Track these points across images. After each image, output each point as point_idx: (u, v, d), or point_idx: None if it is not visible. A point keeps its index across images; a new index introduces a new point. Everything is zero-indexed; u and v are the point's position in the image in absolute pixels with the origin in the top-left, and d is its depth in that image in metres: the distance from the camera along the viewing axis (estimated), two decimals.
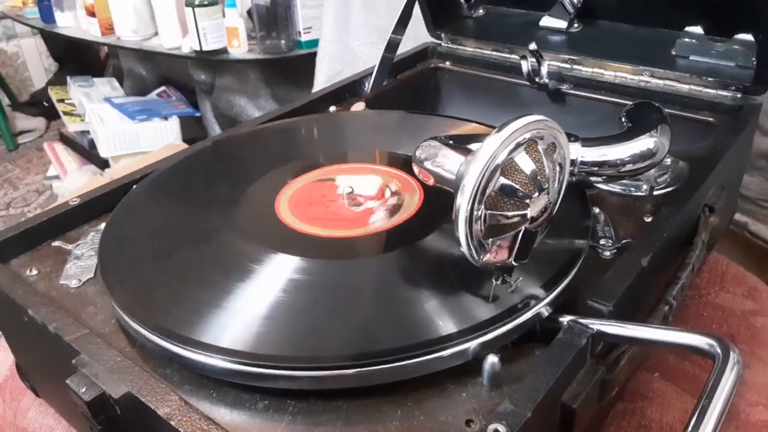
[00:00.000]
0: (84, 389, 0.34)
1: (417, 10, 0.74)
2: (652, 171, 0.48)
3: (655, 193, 0.50)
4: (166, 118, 1.73)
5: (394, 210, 0.45)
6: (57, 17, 1.85)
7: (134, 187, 0.52)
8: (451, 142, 0.40)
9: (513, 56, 0.72)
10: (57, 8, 1.83)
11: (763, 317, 0.55)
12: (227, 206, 0.47)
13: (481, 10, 0.81)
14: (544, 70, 0.66)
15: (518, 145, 0.33)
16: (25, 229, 0.47)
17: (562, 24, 0.72)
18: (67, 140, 2.02)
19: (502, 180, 0.33)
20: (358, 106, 0.67)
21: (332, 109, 0.67)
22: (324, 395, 0.34)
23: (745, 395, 0.47)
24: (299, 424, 0.33)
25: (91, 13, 1.69)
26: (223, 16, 1.50)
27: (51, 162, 2.00)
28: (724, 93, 0.60)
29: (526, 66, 0.66)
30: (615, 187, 0.51)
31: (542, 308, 0.37)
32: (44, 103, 2.34)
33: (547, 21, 0.73)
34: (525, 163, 0.34)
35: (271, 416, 0.33)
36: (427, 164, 0.40)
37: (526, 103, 0.70)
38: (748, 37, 0.59)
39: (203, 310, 0.37)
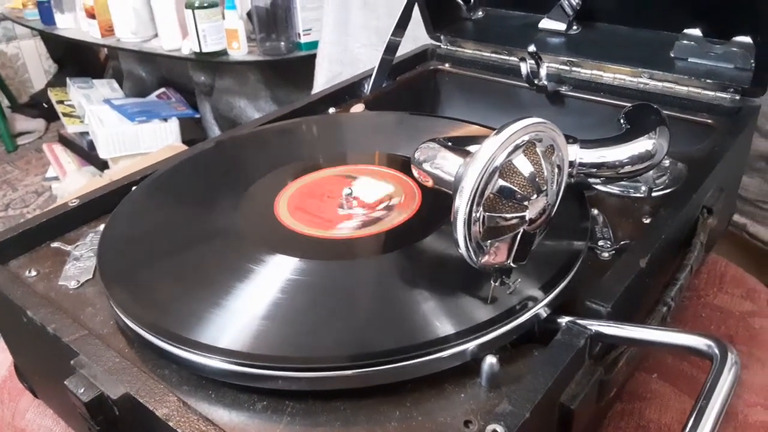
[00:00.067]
0: (82, 390, 0.34)
1: (416, 12, 0.74)
2: (651, 172, 0.48)
3: (654, 194, 0.50)
4: (165, 120, 1.74)
5: (370, 223, 0.44)
6: (57, 19, 1.85)
7: (133, 188, 0.52)
8: (449, 144, 0.40)
9: (512, 58, 0.72)
10: (57, 10, 1.83)
11: (761, 318, 0.55)
12: (226, 207, 0.47)
13: (480, 12, 0.81)
14: (543, 72, 0.66)
15: (517, 148, 0.33)
16: (24, 230, 0.47)
17: (561, 26, 0.72)
18: (66, 141, 2.02)
19: (501, 182, 0.33)
20: (358, 108, 0.67)
21: (332, 110, 0.67)
22: (322, 396, 0.34)
23: (743, 396, 0.47)
24: (298, 425, 0.33)
25: (91, 15, 1.69)
26: (223, 17, 1.50)
27: (50, 163, 2.00)
28: (723, 95, 0.60)
29: (525, 68, 0.66)
30: (614, 189, 0.51)
31: (541, 309, 0.37)
32: (44, 104, 2.34)
33: (546, 23, 0.73)
34: (523, 165, 0.34)
35: (269, 417, 0.33)
36: (426, 166, 0.40)
37: (525, 105, 0.70)
38: (747, 39, 0.59)
39: (202, 311, 0.37)
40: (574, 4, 0.71)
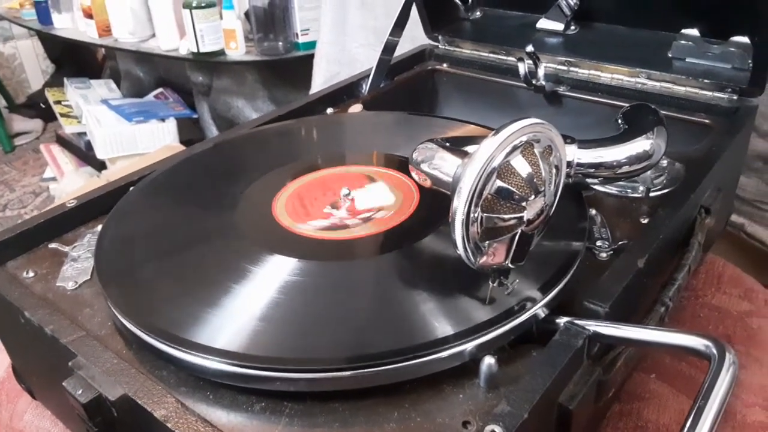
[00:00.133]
0: (80, 391, 0.34)
1: (414, 12, 0.74)
2: (649, 173, 0.49)
3: (652, 194, 0.50)
4: (163, 120, 1.73)
5: (336, 227, 0.44)
6: (54, 19, 1.85)
7: (131, 188, 0.52)
8: (447, 144, 0.40)
9: (510, 58, 0.72)
10: (54, 10, 1.83)
11: (759, 318, 0.55)
12: (224, 208, 0.47)
13: (478, 13, 0.81)
14: (541, 72, 0.66)
15: (515, 149, 0.33)
16: (21, 231, 0.47)
17: (558, 26, 0.72)
18: (63, 142, 2.02)
19: (499, 183, 0.33)
20: (356, 108, 0.67)
21: (329, 110, 0.67)
22: (321, 397, 0.34)
23: (742, 396, 0.47)
24: (296, 426, 0.33)
25: (89, 15, 1.69)
26: (221, 17, 1.50)
27: (48, 164, 2.00)
28: (721, 95, 0.60)
29: (523, 68, 0.66)
30: (611, 189, 0.51)
31: (539, 310, 0.37)
32: (41, 104, 2.34)
33: (544, 23, 0.73)
34: (521, 166, 0.34)
35: (267, 418, 0.33)
36: (424, 167, 0.40)
37: (523, 105, 0.70)
38: (744, 39, 0.59)
39: (200, 312, 0.37)
40: (572, 4, 0.71)
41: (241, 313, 0.37)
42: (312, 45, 1.30)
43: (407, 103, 0.74)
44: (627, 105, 0.50)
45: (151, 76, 2.02)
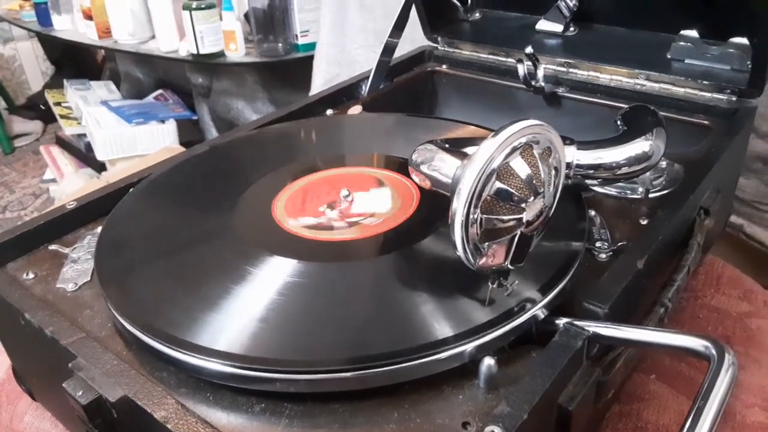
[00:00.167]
0: (80, 393, 0.34)
1: (414, 13, 0.74)
2: (648, 174, 0.49)
3: (651, 195, 0.50)
4: (163, 122, 1.73)
5: (320, 227, 0.44)
6: (54, 20, 1.85)
7: (131, 190, 0.52)
8: (447, 146, 0.40)
9: (509, 59, 0.72)
10: (54, 11, 1.83)
11: (758, 319, 0.55)
12: (224, 209, 0.47)
13: (477, 14, 0.81)
14: (540, 73, 0.66)
15: (514, 150, 0.33)
16: (21, 232, 0.47)
17: (558, 27, 0.72)
18: (63, 143, 2.02)
19: (498, 184, 0.33)
20: (355, 110, 0.67)
21: (329, 112, 0.67)
22: (321, 398, 0.34)
23: (741, 397, 0.47)
24: (296, 427, 0.33)
25: (88, 17, 1.69)
26: (221, 19, 1.50)
27: (47, 165, 2.00)
28: (720, 96, 0.60)
29: (522, 69, 0.66)
30: (611, 190, 0.51)
31: (538, 311, 0.37)
32: (41, 106, 2.34)
33: (543, 25, 0.73)
34: (520, 167, 0.34)
35: (267, 419, 0.33)
36: (424, 168, 0.40)
37: (523, 106, 0.70)
38: (743, 40, 0.60)
39: (200, 314, 0.37)
40: (571, 5, 0.71)
41: (240, 314, 0.37)
42: (312, 46, 1.30)
43: (407, 105, 0.74)
44: (626, 106, 0.50)
45: (150, 78, 2.02)
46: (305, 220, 0.45)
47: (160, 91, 1.96)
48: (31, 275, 0.45)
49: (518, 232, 0.35)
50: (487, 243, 0.34)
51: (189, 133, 1.79)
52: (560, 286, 0.38)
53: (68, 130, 1.95)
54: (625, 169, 0.45)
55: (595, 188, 0.50)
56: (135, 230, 0.46)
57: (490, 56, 0.74)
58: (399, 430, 0.32)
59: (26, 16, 1.94)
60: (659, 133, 0.45)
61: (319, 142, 0.60)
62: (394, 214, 0.45)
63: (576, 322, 0.36)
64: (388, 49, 0.71)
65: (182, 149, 1.17)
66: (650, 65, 0.64)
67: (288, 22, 1.49)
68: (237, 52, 1.53)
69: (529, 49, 0.65)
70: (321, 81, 1.16)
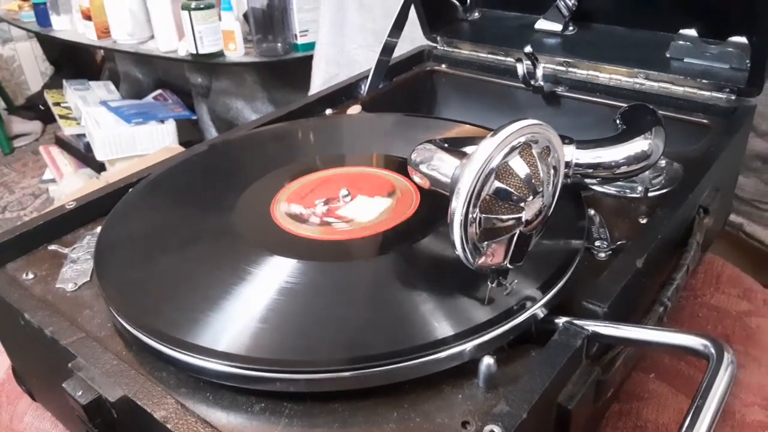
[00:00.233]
0: (80, 393, 0.34)
1: (413, 13, 0.74)
2: (647, 173, 0.49)
3: (650, 194, 0.50)
4: (162, 122, 1.74)
5: (300, 219, 0.45)
6: (53, 21, 1.85)
7: (130, 190, 0.52)
8: (446, 145, 0.40)
9: (508, 59, 0.72)
10: (53, 12, 1.83)
11: (758, 318, 0.55)
12: (223, 209, 0.47)
13: (476, 13, 0.81)
14: (539, 72, 0.66)
15: (513, 149, 0.33)
16: (21, 232, 0.47)
17: (557, 27, 0.72)
18: (63, 144, 2.02)
19: (497, 184, 0.33)
20: (354, 109, 0.67)
21: (328, 112, 0.67)
22: (320, 397, 0.34)
23: (740, 395, 0.47)
24: (296, 427, 0.33)
25: (87, 17, 1.69)
26: (220, 19, 1.50)
27: (47, 165, 2.00)
28: (719, 95, 0.60)
29: (521, 69, 0.66)
30: (610, 189, 0.51)
31: (537, 310, 0.37)
32: (40, 106, 2.34)
33: (542, 24, 0.74)
34: (519, 166, 0.34)
35: (267, 419, 0.33)
36: (423, 167, 0.40)
37: (522, 105, 0.70)
38: (742, 39, 0.60)
39: (199, 314, 0.37)
40: (570, 4, 0.71)
41: (240, 314, 0.37)
42: (311, 46, 1.30)
43: (406, 104, 0.74)
44: (625, 105, 0.51)
45: (150, 78, 2.02)
46: (295, 207, 0.46)
47: (159, 91, 1.96)
48: (31, 275, 0.45)
49: (517, 232, 0.35)
50: (486, 242, 0.34)
51: (188, 133, 1.79)
52: (559, 285, 0.38)
53: (67, 130, 1.95)
54: (624, 168, 0.45)
55: (595, 187, 0.50)
56: (134, 230, 0.46)
57: (490, 56, 0.74)
58: (398, 430, 0.32)
59: (25, 16, 1.94)
60: (658, 132, 0.45)
61: (317, 143, 0.60)
62: (369, 227, 0.44)
63: (575, 321, 0.36)
64: (388, 48, 0.71)
65: (182, 149, 1.17)
66: (649, 64, 0.64)
67: (287, 21, 1.49)
68: (236, 52, 1.53)
69: (528, 49, 0.66)
70: (320, 81, 1.16)
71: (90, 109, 1.81)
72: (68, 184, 1.78)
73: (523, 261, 0.36)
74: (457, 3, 0.79)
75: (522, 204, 0.34)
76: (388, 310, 0.37)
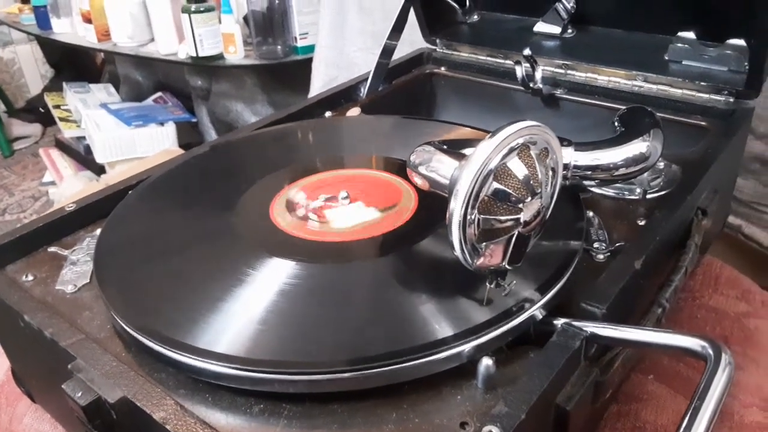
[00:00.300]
0: (80, 394, 0.34)
1: (412, 16, 0.74)
2: (646, 175, 0.49)
3: (649, 196, 0.50)
4: (162, 124, 1.74)
5: (288, 208, 0.47)
6: (53, 23, 1.85)
7: (130, 192, 0.52)
8: (445, 147, 0.40)
9: (507, 61, 0.72)
10: (53, 15, 1.84)
11: (756, 319, 0.55)
12: (222, 211, 0.47)
13: (475, 16, 0.81)
14: (538, 75, 0.66)
15: (511, 151, 0.33)
16: (20, 234, 0.47)
17: (556, 29, 0.73)
18: (63, 146, 2.02)
19: (495, 185, 0.34)
20: (354, 112, 0.67)
21: (328, 114, 0.67)
22: (319, 398, 0.34)
23: (739, 396, 0.47)
24: (295, 428, 0.33)
25: (88, 20, 1.69)
26: (220, 22, 1.51)
27: (47, 168, 2.00)
28: (717, 97, 0.60)
29: (520, 71, 0.67)
30: (608, 191, 0.51)
31: (536, 311, 0.37)
32: (40, 109, 2.34)
33: (541, 27, 0.74)
34: (518, 168, 0.34)
35: (266, 420, 0.33)
36: (422, 169, 0.40)
37: (521, 108, 0.70)
38: (741, 42, 0.60)
39: (198, 315, 0.37)
40: (569, 7, 0.71)
41: (239, 315, 0.37)
42: (311, 49, 1.31)
43: (405, 107, 0.74)
44: (623, 108, 0.51)
45: (150, 81, 2.02)
46: (300, 196, 0.48)
47: (159, 94, 1.96)
48: (31, 277, 0.45)
49: (516, 233, 0.35)
50: (484, 243, 0.35)
51: (188, 135, 1.79)
52: (558, 287, 0.38)
53: (67, 132, 1.95)
54: (622, 170, 0.45)
55: (593, 189, 0.51)
56: (134, 232, 0.47)
57: (489, 58, 0.74)
58: (397, 430, 0.32)
59: (25, 19, 1.94)
60: (656, 134, 0.46)
61: (316, 145, 0.60)
62: (337, 233, 0.45)
63: (574, 323, 0.36)
64: (387, 51, 0.71)
65: (181, 151, 1.17)
66: (648, 67, 0.64)
67: (287, 24, 1.49)
68: (236, 54, 1.53)
69: (527, 51, 0.66)
70: (320, 83, 1.16)
71: (90, 111, 1.81)
72: (68, 187, 1.78)
73: (522, 262, 0.36)
74: (456, 6, 0.80)
75: (520, 205, 0.34)
76: (387, 311, 0.37)
